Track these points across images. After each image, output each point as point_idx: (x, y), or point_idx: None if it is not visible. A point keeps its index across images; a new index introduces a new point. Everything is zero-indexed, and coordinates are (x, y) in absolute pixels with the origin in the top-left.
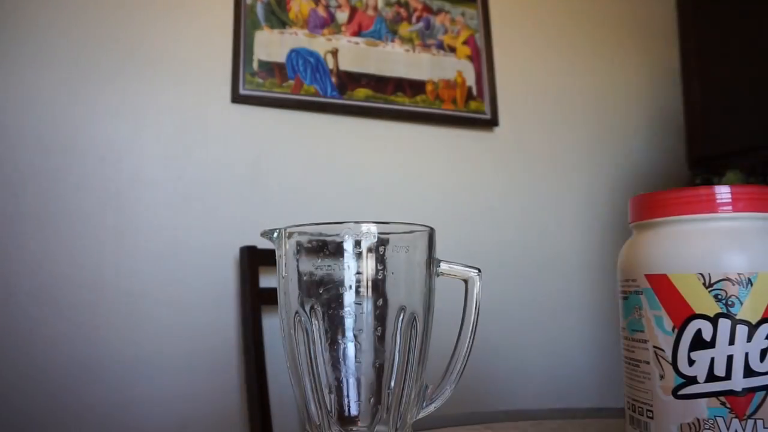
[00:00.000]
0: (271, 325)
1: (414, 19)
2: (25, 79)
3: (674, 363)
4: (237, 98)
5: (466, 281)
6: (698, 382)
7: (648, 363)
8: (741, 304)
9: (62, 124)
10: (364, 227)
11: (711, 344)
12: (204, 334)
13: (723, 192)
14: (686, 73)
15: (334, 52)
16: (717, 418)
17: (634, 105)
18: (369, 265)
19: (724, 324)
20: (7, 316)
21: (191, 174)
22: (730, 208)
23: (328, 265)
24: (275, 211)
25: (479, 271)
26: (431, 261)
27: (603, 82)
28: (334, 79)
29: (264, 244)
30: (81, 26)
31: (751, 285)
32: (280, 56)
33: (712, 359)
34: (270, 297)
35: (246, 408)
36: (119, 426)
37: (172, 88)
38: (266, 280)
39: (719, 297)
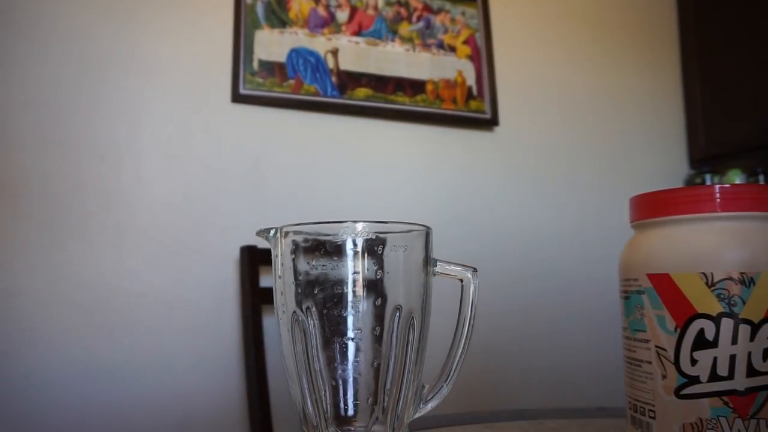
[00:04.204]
0: (272, 324)
1: (414, 18)
2: (25, 79)
3: (676, 363)
4: (237, 98)
5: (461, 281)
6: (701, 382)
7: (650, 363)
8: (744, 303)
9: (62, 124)
10: (361, 226)
11: (713, 344)
12: (204, 334)
13: (725, 191)
14: (687, 72)
15: (335, 52)
16: (720, 417)
17: (635, 104)
18: (366, 265)
19: (727, 323)
20: (7, 316)
21: (191, 174)
22: (732, 207)
23: (325, 265)
24: (275, 210)
25: (475, 270)
26: (428, 260)
27: (604, 82)
28: (334, 79)
29: (264, 243)
30: (81, 26)
31: (754, 284)
32: (280, 56)
33: (715, 359)
34: (270, 296)
35: (246, 407)
36: (119, 425)
37: (173, 87)
38: (267, 280)
39: (722, 296)
